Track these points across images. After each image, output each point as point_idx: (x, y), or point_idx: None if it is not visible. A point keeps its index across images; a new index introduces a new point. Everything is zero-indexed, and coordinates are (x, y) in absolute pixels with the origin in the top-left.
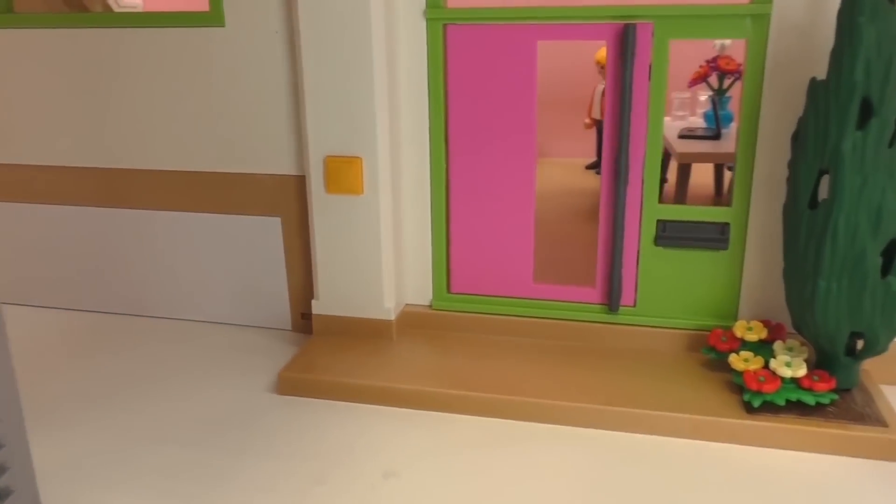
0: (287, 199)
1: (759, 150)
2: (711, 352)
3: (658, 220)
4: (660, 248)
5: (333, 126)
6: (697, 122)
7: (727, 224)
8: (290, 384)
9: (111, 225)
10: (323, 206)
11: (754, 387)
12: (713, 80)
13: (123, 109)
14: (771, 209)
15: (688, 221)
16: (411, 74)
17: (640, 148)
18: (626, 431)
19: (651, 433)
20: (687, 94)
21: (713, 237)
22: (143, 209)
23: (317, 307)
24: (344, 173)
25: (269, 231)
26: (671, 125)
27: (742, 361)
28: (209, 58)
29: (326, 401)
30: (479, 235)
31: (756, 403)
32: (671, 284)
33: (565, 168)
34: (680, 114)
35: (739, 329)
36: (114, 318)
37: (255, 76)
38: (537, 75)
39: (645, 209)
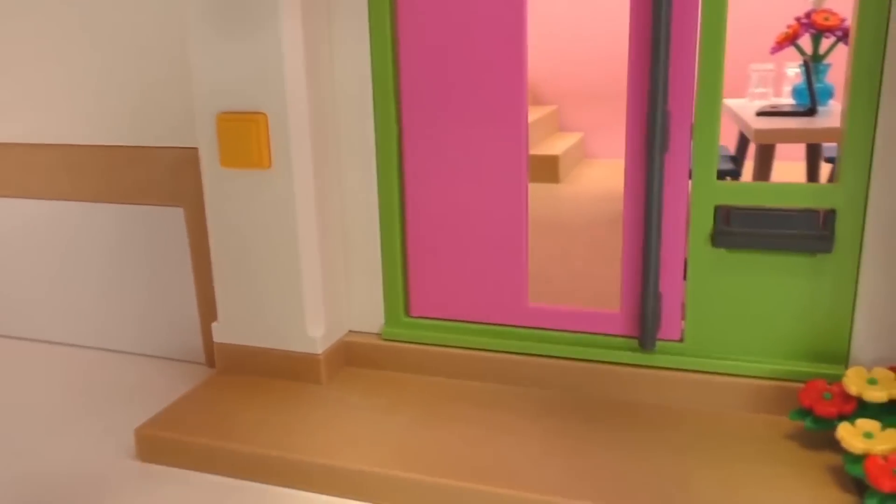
0: (190, 182)
1: (887, 96)
2: (806, 417)
3: (718, 207)
4: (720, 251)
5: (227, 69)
6: (783, 102)
7: (832, 211)
8: (152, 447)
9: None
10: (218, 187)
11: (886, 486)
12: (805, 42)
13: None
14: None
15: (767, 208)
16: None
17: (686, 92)
18: None
19: None
20: (769, 66)
21: (809, 233)
22: None
23: (218, 333)
24: (242, 137)
25: (169, 225)
26: (747, 107)
27: (860, 437)
28: None
29: (202, 475)
30: (450, 234)
31: None
32: (739, 308)
33: (608, 169)
34: (759, 91)
35: (854, 381)
36: None
37: (138, 16)
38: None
39: (696, 189)
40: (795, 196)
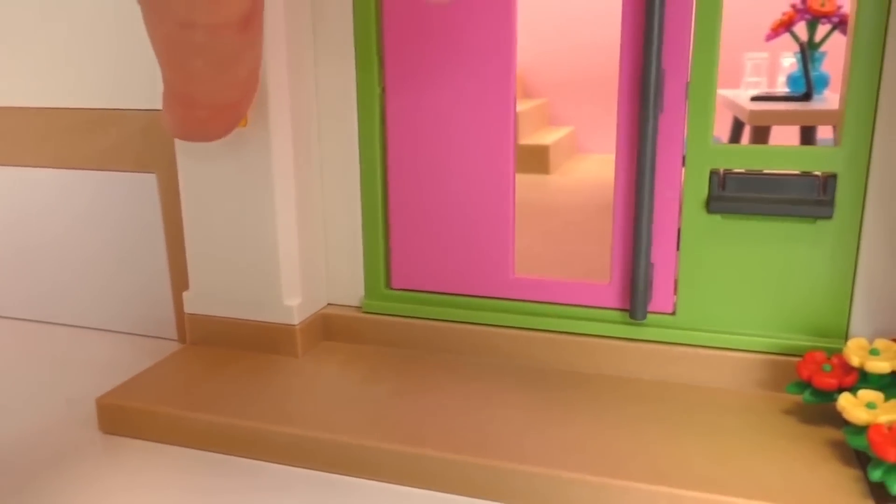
0: (163, 147)
1: (892, 52)
2: (805, 390)
3: (713, 171)
4: (715, 217)
5: None
6: (778, 92)
7: (833, 176)
8: (114, 417)
9: None
10: (190, 148)
11: (891, 455)
12: (801, 30)
13: None
14: None
15: (764, 173)
16: None
17: (681, 47)
18: None
19: None
20: (764, 55)
21: (808, 198)
22: None
23: (189, 303)
24: None
25: (141, 193)
26: (741, 96)
27: (863, 408)
28: None
29: (166, 446)
30: (433, 203)
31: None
32: (733, 278)
33: (600, 164)
34: (753, 80)
35: (856, 352)
36: None
37: None
38: None
39: (690, 152)
40: (794, 159)
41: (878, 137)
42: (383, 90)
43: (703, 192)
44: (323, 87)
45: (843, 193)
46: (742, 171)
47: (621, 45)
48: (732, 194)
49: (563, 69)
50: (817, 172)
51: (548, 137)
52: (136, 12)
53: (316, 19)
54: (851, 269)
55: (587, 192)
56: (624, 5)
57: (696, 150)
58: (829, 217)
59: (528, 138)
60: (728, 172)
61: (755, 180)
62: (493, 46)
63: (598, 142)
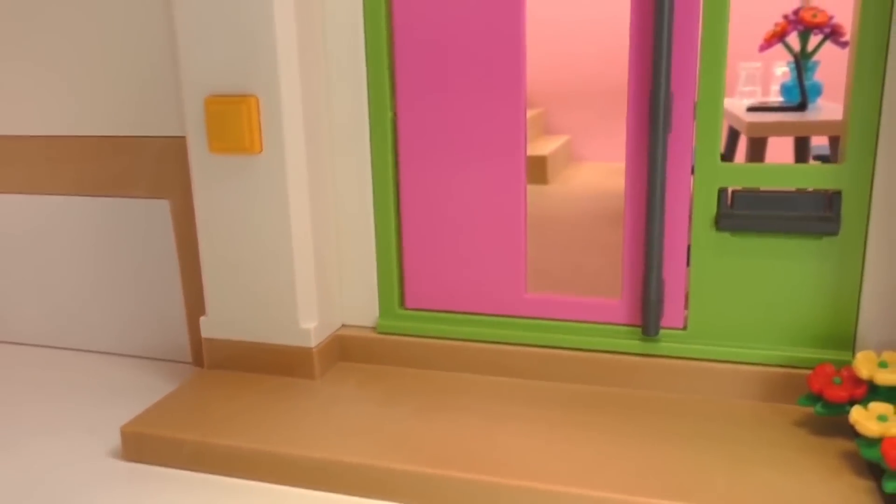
0: (176, 173)
1: (893, 71)
2: (815, 402)
3: (721, 190)
4: (724, 234)
5: (215, 50)
6: (772, 101)
7: (838, 193)
8: (138, 445)
9: None
10: (206, 174)
11: None
12: (793, 40)
13: None
14: None
15: (771, 191)
16: None
17: (689, 70)
18: None
19: None
20: (758, 65)
21: (814, 214)
22: None
23: (206, 328)
24: (232, 121)
25: (155, 219)
26: (736, 105)
27: (874, 421)
28: None
29: (191, 473)
30: (446, 223)
31: None
32: (743, 293)
33: (596, 172)
34: (748, 89)
35: (865, 364)
36: None
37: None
38: None
39: (699, 171)
40: (801, 177)
41: (881, 156)
42: (395, 115)
43: (713, 209)
44: (336, 114)
45: (849, 210)
46: (750, 188)
47: (629, 66)
48: (741, 212)
49: (559, 78)
50: (823, 190)
51: (546, 147)
52: (151, 41)
53: (328, 47)
54: (858, 283)
55: (587, 202)
56: (632, 26)
57: (704, 168)
58: (835, 233)
59: (527, 149)
60: (736, 190)
61: (762, 198)
62: (502, 70)
63: (594, 149)
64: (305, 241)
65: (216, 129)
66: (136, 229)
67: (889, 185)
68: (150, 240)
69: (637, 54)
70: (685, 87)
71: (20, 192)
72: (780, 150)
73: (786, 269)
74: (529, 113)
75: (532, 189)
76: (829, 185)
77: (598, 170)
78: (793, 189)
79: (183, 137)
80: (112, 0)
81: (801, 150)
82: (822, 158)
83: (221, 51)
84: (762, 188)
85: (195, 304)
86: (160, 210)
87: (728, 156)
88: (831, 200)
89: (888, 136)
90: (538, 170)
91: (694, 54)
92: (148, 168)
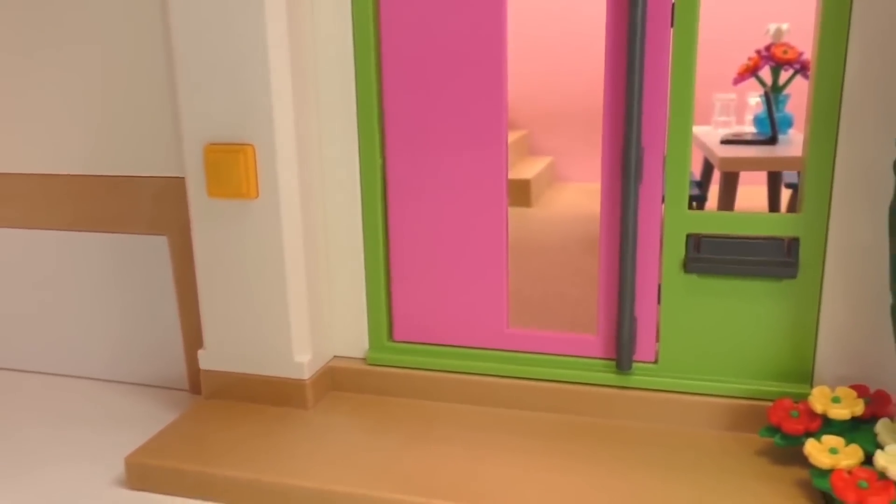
0: (174, 211)
1: (844, 131)
2: (775, 434)
3: (689, 235)
4: (692, 277)
5: (214, 101)
6: (746, 130)
7: (796, 240)
8: (142, 475)
9: None
10: (205, 217)
11: (851, 498)
12: (766, 74)
13: None
14: (863, 215)
15: (735, 237)
16: (324, 23)
17: (659, 125)
18: None
19: None
20: (732, 96)
21: (775, 259)
22: None
23: (204, 360)
24: (230, 168)
25: (153, 254)
26: (711, 134)
27: (826, 453)
28: (62, 22)
29: (194, 501)
30: (432, 260)
31: None
32: (710, 330)
33: (579, 193)
34: (723, 119)
35: (819, 399)
36: None
37: (121, 43)
38: (506, 33)
39: (668, 218)
40: (762, 225)
41: (835, 207)
42: (384, 160)
43: (681, 253)
44: (328, 160)
45: (806, 255)
46: (716, 234)
47: (603, 122)
48: (707, 256)
49: (542, 100)
50: (782, 236)
51: (530, 170)
52: (151, 86)
53: (321, 99)
54: (815, 322)
55: (570, 225)
56: (606, 90)
57: (673, 215)
58: (794, 276)
59: (511, 172)
60: (703, 236)
61: (727, 243)
62: (486, 124)
63: (576, 170)
64: (299, 279)
65: (215, 175)
66: (136, 264)
67: (843, 232)
68: (149, 274)
69: (610, 114)
70: (655, 142)
71: (22, 227)
72: (753, 176)
73: (749, 308)
74: (514, 135)
75: (516, 212)
76: (788, 232)
77: (581, 190)
78: (755, 235)
79: (180, 178)
80: (114, 43)
81: (774, 181)
82: (793, 187)
83: (220, 102)
84: (727, 234)
85: (193, 334)
86: (159, 246)
87: (704, 183)
88: (790, 246)
89: (841, 188)
90: (522, 193)
91: (663, 113)
92: (147, 206)
